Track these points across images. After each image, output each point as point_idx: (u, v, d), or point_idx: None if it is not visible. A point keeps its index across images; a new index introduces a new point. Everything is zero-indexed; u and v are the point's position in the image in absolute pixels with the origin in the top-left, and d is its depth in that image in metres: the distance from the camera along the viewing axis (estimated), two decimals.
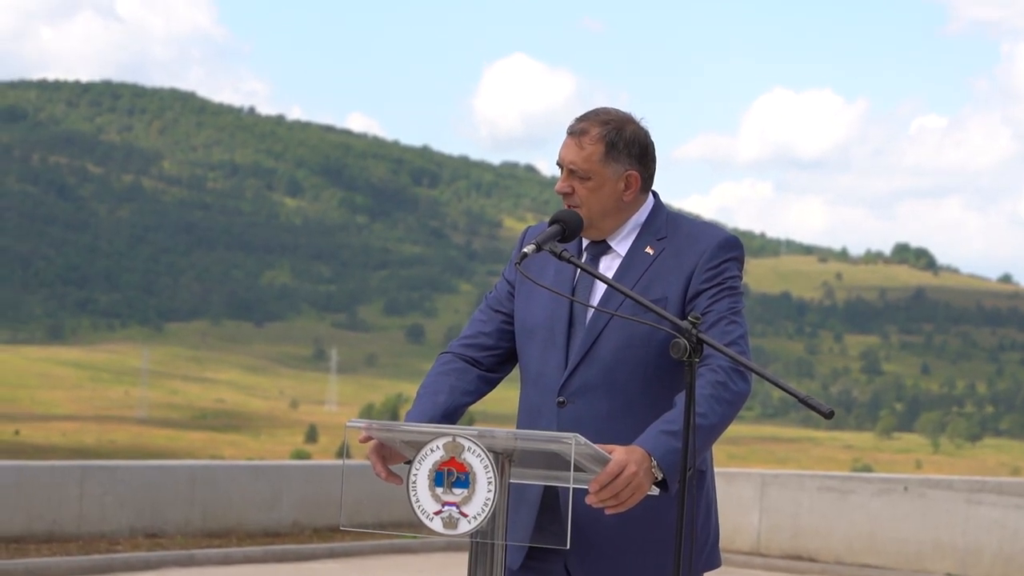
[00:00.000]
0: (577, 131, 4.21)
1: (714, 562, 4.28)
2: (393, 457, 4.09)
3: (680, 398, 4.01)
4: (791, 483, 14.45)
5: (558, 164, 4.25)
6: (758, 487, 14.49)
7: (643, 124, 4.27)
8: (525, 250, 4.09)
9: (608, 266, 4.26)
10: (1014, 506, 13.31)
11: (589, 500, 3.83)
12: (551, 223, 4.17)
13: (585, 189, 4.21)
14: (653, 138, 4.31)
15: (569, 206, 4.23)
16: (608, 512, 3.85)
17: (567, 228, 4.15)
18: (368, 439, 4.04)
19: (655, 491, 3.90)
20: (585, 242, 4.31)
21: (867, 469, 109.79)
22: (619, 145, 4.20)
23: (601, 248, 4.28)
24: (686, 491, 3.77)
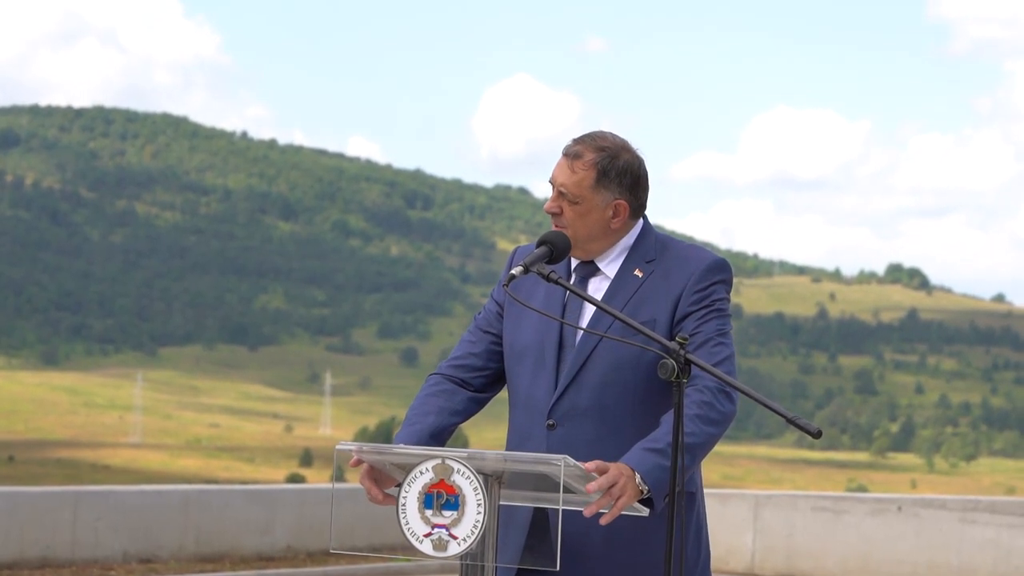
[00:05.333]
0: (572, 154, 4.21)
1: None
2: (385, 480, 4.08)
3: (665, 418, 4.03)
4: (785, 504, 14.44)
5: (550, 182, 4.24)
6: (752, 508, 14.48)
7: (639, 153, 4.26)
8: (513, 272, 4.09)
9: (597, 288, 4.26)
10: (1008, 525, 13.30)
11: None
12: (539, 244, 4.17)
13: (573, 212, 4.21)
14: (653, 155, 4.33)
15: (556, 226, 4.23)
16: (602, 521, 3.85)
17: (555, 250, 4.15)
18: (359, 462, 4.04)
19: (644, 511, 3.90)
20: (574, 263, 4.31)
21: (862, 489, 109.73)
22: (611, 173, 4.20)
23: (590, 269, 4.29)
24: (675, 511, 3.77)
